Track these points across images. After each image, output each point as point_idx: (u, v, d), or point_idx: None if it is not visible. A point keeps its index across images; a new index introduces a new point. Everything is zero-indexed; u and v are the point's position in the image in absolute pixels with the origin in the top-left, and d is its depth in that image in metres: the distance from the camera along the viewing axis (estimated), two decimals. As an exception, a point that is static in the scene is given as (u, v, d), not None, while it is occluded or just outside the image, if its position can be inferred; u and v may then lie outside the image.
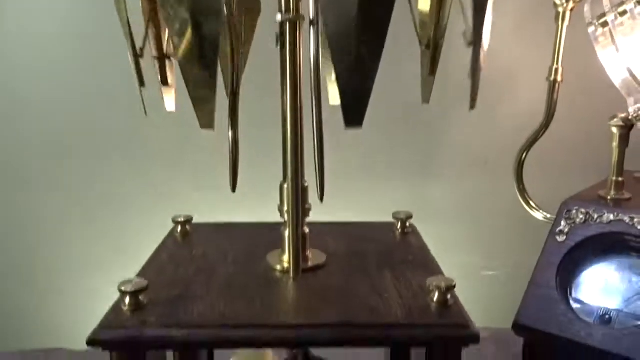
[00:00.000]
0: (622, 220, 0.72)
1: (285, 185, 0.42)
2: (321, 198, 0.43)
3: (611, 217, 0.72)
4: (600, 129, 0.80)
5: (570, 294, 0.73)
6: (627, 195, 0.76)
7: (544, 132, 0.83)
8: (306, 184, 0.42)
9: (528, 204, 0.87)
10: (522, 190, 0.87)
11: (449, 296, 0.38)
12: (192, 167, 0.86)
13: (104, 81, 0.83)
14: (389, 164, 0.91)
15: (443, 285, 0.37)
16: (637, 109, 0.78)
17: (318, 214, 0.44)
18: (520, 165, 0.85)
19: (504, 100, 0.92)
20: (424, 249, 0.47)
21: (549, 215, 0.85)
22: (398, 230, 0.51)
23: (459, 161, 0.94)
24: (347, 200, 0.90)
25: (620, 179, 0.76)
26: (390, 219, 0.52)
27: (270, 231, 0.45)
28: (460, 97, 0.92)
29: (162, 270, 0.44)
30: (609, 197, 0.75)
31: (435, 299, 0.37)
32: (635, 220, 0.71)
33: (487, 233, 0.92)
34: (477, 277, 0.93)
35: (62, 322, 0.87)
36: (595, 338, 0.66)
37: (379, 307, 0.38)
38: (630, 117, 0.75)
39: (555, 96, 0.82)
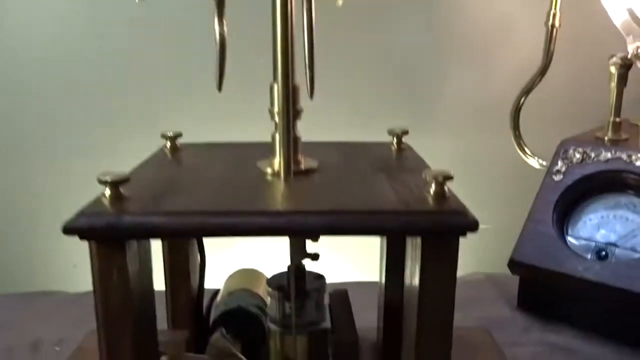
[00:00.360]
0: (619, 158, 0.68)
1: (275, 86, 0.38)
2: (311, 94, 0.39)
3: (609, 155, 0.69)
4: (598, 75, 0.76)
5: (567, 231, 0.69)
6: (624, 136, 0.72)
7: (542, 78, 0.80)
8: (297, 85, 0.38)
9: (523, 150, 0.83)
10: (518, 137, 0.83)
11: (446, 188, 0.34)
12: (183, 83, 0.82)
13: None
14: (383, 118, 0.88)
15: (440, 176, 0.34)
16: (635, 48, 0.74)
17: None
18: (517, 110, 0.81)
19: (501, 48, 0.88)
20: (420, 160, 0.43)
21: (544, 163, 0.81)
22: (394, 145, 0.47)
23: (455, 113, 0.90)
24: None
25: (617, 119, 0.72)
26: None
27: (263, 148, 0.41)
28: (458, 47, 0.90)
29: (148, 172, 0.40)
30: (606, 138, 0.72)
31: (432, 190, 0.34)
32: (633, 157, 0.67)
33: (482, 187, 0.89)
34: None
35: (61, 265, 0.84)
36: (592, 272, 0.63)
37: (373, 198, 0.34)
38: (629, 57, 0.72)
39: (553, 41, 0.77)
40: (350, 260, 0.87)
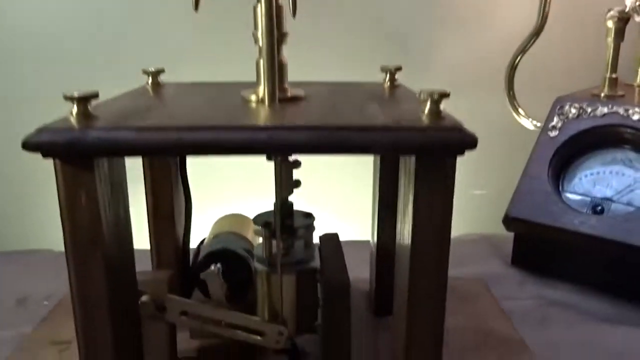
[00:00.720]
0: (616, 113, 0.64)
1: (259, 5, 0.34)
2: (293, 13, 0.35)
3: (605, 110, 0.64)
4: (592, 37, 0.72)
5: (562, 187, 0.66)
6: (620, 92, 0.68)
7: (536, 38, 0.75)
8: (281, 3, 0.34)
9: (517, 111, 0.79)
10: (512, 97, 0.79)
11: (441, 106, 0.30)
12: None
13: None
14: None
15: (436, 94, 0.29)
16: (634, 1, 0.69)
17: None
18: (512, 70, 0.76)
19: (496, 8, 0.83)
20: (413, 94, 0.39)
21: (538, 124, 0.77)
22: (387, 82, 0.43)
23: (448, 75, 0.85)
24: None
25: (614, 75, 0.68)
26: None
27: (250, 86, 0.37)
28: (451, 7, 0.85)
29: (124, 100, 0.36)
30: (602, 94, 0.67)
31: (426, 109, 0.30)
32: (630, 112, 0.63)
33: (476, 152, 0.85)
34: (467, 196, 0.86)
35: (47, 224, 0.80)
36: (589, 225, 0.59)
37: (364, 118, 0.30)
38: (626, 10, 0.67)
39: (548, 1, 0.73)
40: (341, 220, 0.83)
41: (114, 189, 0.31)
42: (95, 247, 0.30)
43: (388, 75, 0.43)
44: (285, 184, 0.38)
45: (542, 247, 0.65)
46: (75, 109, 0.30)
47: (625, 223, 0.58)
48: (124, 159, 0.32)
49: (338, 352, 0.36)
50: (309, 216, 0.40)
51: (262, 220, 0.38)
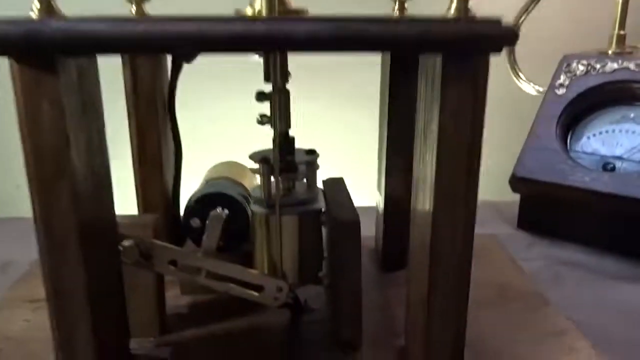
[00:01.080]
0: (627, 68, 0.59)
1: None
2: None
3: (615, 65, 0.59)
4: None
5: (571, 145, 0.60)
6: (628, 49, 0.63)
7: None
8: None
9: (517, 76, 0.74)
10: (513, 62, 0.73)
11: (470, 3, 0.24)
12: None
13: None
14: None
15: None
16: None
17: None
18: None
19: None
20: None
21: (541, 89, 0.72)
22: (396, 11, 0.37)
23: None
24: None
25: (622, 32, 0.62)
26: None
27: None
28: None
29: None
30: (610, 52, 0.62)
31: (454, 5, 0.24)
32: (641, 66, 0.58)
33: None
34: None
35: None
36: (601, 182, 0.54)
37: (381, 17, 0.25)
38: (635, -36, 0.62)
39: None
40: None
41: (85, 106, 0.25)
42: (62, 174, 0.24)
43: (397, 4, 0.37)
44: (285, 115, 0.32)
45: (549, 208, 0.60)
46: (37, 4, 0.24)
47: (639, 179, 0.53)
48: (96, 68, 0.26)
49: (348, 300, 0.30)
50: (312, 152, 0.34)
51: (259, 156, 0.33)
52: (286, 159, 0.32)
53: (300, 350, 0.33)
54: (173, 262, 0.32)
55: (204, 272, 0.32)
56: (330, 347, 0.33)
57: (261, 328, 0.35)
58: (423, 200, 0.27)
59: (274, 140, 0.32)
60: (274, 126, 0.32)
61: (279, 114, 0.31)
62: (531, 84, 0.73)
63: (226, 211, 0.32)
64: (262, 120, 0.32)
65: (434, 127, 0.25)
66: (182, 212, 0.38)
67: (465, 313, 0.27)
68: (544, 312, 0.37)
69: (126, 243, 0.31)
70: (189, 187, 0.42)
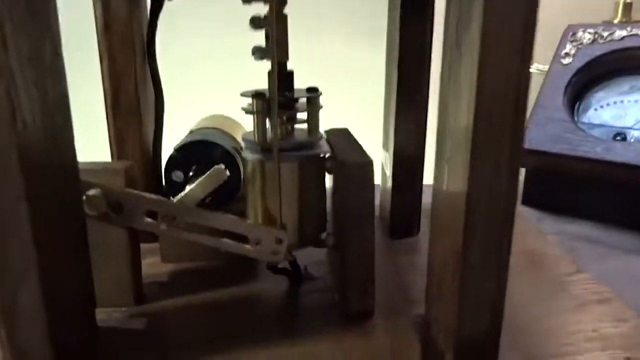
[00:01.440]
0: (636, 35, 0.54)
1: None
2: None
3: (624, 33, 0.54)
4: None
5: (579, 117, 0.55)
6: (635, 18, 0.58)
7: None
8: None
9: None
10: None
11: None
12: None
13: None
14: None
15: None
16: None
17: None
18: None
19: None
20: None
21: (541, 67, 0.67)
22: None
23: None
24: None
25: (629, 0, 0.58)
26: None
27: None
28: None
29: None
30: (616, 20, 0.57)
31: None
32: (652, 33, 0.53)
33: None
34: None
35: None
36: (614, 152, 0.49)
37: None
38: None
39: None
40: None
41: (35, 20, 0.19)
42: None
43: None
44: (282, 43, 0.26)
45: (556, 182, 0.54)
46: None
47: (655, 148, 0.48)
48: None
49: (358, 260, 0.24)
50: (314, 90, 0.27)
51: (253, 92, 0.26)
52: (284, 94, 0.26)
53: (299, 323, 0.27)
54: (151, 214, 0.26)
55: (182, 222, 0.26)
56: (336, 319, 0.27)
57: (254, 298, 0.29)
58: (455, 123, 0.21)
59: (269, 74, 0.26)
60: (270, 55, 0.25)
61: (275, 42, 0.25)
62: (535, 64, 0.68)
63: (228, 172, 0.26)
64: (258, 53, 0.26)
65: (475, 27, 0.19)
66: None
67: (506, 269, 0.21)
68: (581, 279, 0.32)
69: (91, 192, 0.24)
70: (174, 143, 0.35)
